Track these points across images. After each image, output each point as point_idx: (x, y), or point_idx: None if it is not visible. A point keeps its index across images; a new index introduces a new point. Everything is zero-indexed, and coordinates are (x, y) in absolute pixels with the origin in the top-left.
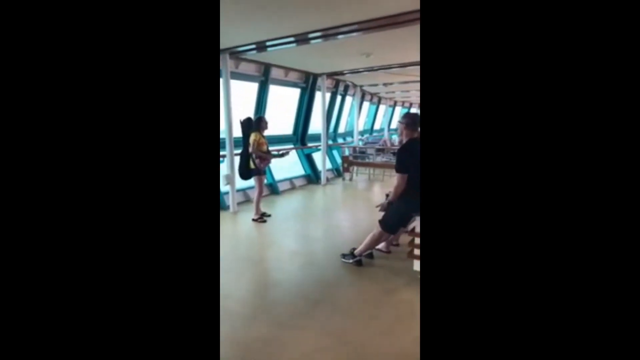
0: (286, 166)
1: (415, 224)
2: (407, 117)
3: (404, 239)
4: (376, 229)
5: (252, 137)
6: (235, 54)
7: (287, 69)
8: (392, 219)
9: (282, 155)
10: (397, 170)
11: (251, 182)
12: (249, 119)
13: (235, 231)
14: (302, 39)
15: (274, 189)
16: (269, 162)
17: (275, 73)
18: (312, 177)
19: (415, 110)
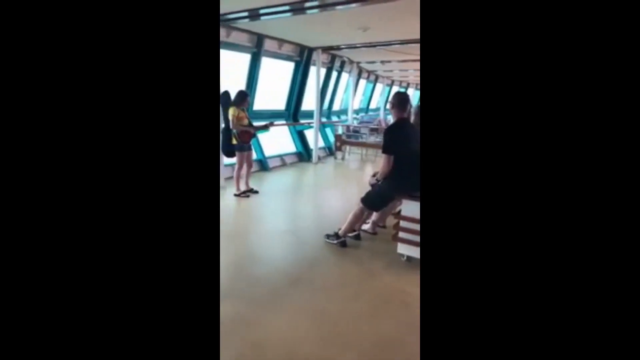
0: (273, 140)
1: (402, 207)
2: (396, 97)
3: (390, 220)
4: (357, 206)
5: (231, 112)
6: (227, 21)
7: (281, 41)
8: (375, 197)
9: (265, 127)
10: (383, 151)
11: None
12: (226, 92)
13: None
14: (298, 8)
15: (263, 165)
16: (251, 135)
17: (268, 44)
18: (304, 154)
19: (412, 90)
